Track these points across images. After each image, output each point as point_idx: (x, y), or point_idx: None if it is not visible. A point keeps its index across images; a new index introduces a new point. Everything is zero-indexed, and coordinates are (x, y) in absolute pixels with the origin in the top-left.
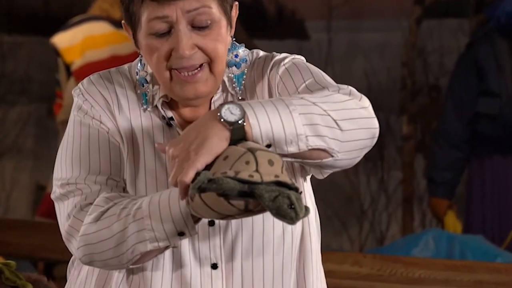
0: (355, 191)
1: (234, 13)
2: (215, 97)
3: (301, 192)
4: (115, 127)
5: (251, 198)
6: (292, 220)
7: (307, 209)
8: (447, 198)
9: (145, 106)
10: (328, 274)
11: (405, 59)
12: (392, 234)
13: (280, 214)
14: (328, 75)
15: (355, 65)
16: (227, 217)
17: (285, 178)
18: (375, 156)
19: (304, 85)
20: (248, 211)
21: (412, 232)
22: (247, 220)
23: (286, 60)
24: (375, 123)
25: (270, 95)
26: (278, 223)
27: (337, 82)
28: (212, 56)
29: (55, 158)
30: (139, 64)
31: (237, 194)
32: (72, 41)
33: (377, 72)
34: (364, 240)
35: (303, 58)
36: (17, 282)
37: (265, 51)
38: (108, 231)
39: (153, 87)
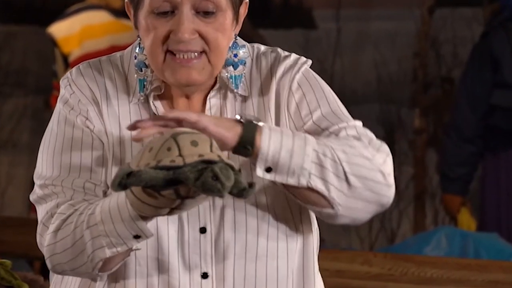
0: None
1: (243, 10)
2: (211, 94)
3: (239, 169)
4: (102, 124)
5: (179, 184)
6: (219, 192)
7: (251, 185)
8: (461, 195)
9: (141, 93)
10: (337, 273)
11: (417, 50)
12: (403, 232)
13: (206, 189)
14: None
15: (364, 55)
16: (172, 210)
17: (211, 156)
18: None
19: (320, 113)
20: (185, 198)
21: (424, 230)
22: (241, 229)
23: (295, 71)
24: (390, 192)
25: (277, 102)
26: (273, 230)
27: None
28: (212, 46)
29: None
30: (137, 48)
31: (164, 183)
32: (69, 30)
33: (387, 63)
34: (374, 238)
35: (310, 61)
36: (13, 282)
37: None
38: (68, 239)
39: (151, 73)
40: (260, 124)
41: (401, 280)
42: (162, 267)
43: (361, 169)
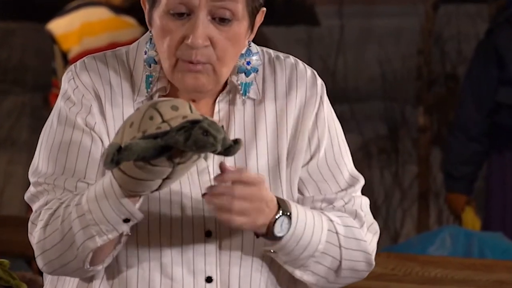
0: (368, 185)
1: (259, 18)
2: (220, 97)
3: (222, 126)
4: (103, 122)
5: (170, 150)
6: (213, 146)
7: (237, 141)
8: (465, 194)
9: (147, 89)
10: None
11: (421, 47)
12: (407, 232)
13: (200, 146)
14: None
15: (368, 53)
16: (163, 182)
17: (194, 116)
18: (389, 149)
19: (324, 159)
20: (179, 164)
21: (428, 229)
22: (248, 232)
23: (318, 102)
24: (369, 270)
25: (297, 124)
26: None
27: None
28: (220, 55)
29: None
30: (148, 43)
31: (154, 153)
32: (69, 27)
33: (391, 60)
34: None
35: (323, 83)
36: (11, 282)
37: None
38: (57, 233)
39: (160, 69)
40: (292, 221)
41: (405, 280)
42: (165, 270)
43: (355, 263)
